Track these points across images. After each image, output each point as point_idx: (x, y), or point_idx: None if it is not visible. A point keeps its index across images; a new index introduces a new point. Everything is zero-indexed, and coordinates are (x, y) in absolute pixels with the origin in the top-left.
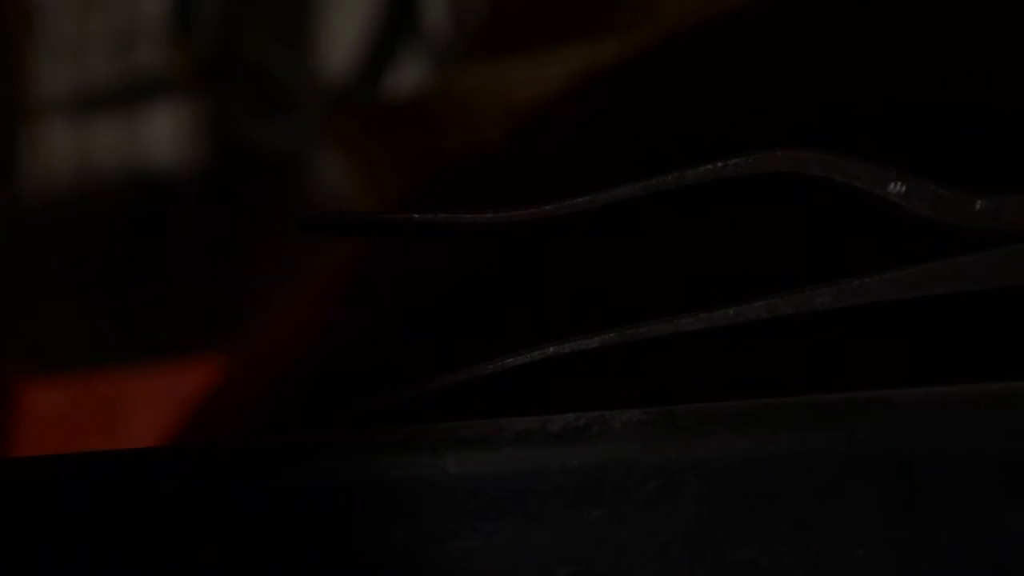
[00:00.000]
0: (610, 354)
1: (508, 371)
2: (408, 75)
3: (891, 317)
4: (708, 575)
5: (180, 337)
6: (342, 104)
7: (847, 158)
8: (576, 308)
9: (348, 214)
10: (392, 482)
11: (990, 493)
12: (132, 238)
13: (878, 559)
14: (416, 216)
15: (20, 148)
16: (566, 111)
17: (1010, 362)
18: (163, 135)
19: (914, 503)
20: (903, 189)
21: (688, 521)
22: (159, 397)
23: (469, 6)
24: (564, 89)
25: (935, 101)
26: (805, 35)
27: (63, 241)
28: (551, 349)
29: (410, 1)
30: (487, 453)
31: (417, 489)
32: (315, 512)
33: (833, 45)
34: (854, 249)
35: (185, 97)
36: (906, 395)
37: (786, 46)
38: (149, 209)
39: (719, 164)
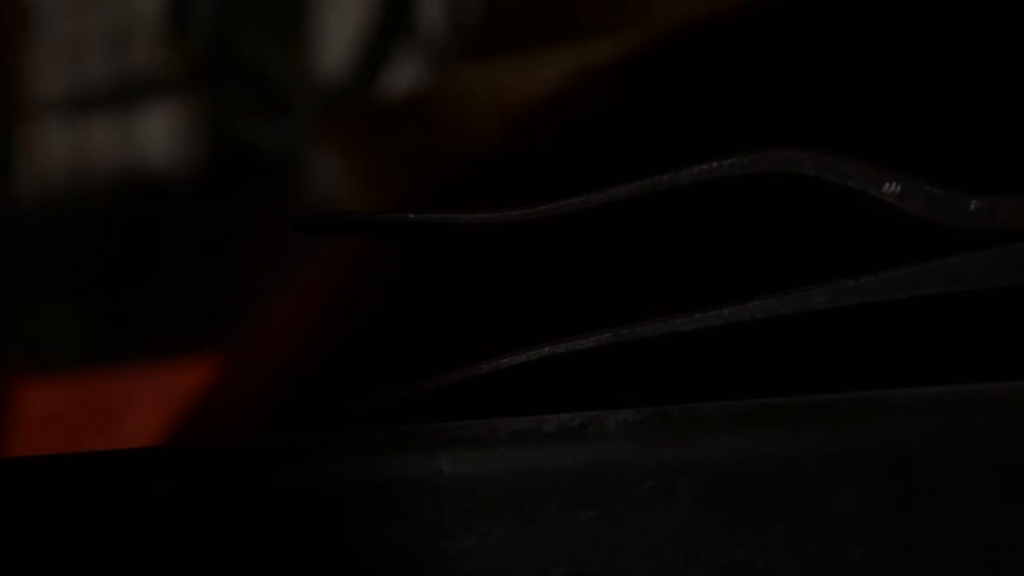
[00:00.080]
0: (605, 354)
1: (503, 371)
2: (404, 75)
3: (886, 317)
4: (703, 575)
5: (176, 337)
6: (338, 104)
7: (842, 158)
8: (571, 308)
9: (344, 214)
10: (387, 482)
11: (986, 493)
12: (128, 238)
13: (874, 559)
14: (411, 216)
15: (15, 148)
16: (561, 111)
17: (1005, 362)
18: (158, 135)
19: (910, 503)
20: (898, 189)
21: (683, 521)
22: (155, 397)
23: (464, 6)
24: (559, 89)
25: (929, 101)
26: (800, 35)
27: (59, 241)
28: (546, 349)
29: (406, 1)
30: (482, 453)
31: (412, 489)
32: (310, 512)
33: (829, 45)
34: (849, 249)
35: (180, 97)
36: (902, 395)
37: (781, 46)
38: (144, 209)
39: (714, 164)
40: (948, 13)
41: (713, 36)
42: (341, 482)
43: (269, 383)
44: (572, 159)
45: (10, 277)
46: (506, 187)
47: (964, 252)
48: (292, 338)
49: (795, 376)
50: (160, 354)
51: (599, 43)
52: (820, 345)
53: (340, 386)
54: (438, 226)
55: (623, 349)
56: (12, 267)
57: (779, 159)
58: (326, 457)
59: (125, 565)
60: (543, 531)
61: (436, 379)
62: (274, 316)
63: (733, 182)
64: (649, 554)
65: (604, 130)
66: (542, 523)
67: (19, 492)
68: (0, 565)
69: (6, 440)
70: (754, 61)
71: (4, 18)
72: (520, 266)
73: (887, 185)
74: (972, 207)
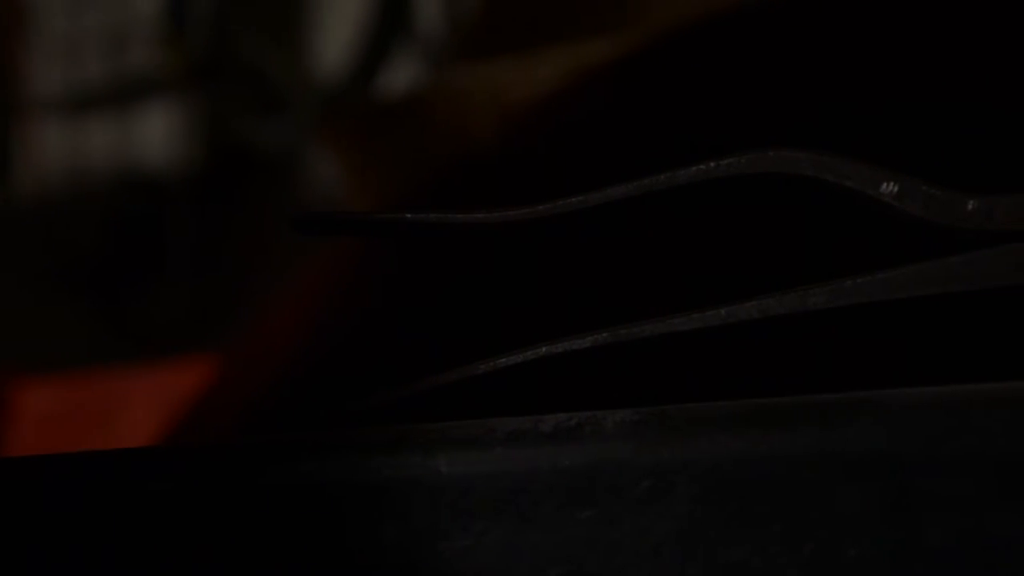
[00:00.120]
0: (602, 354)
1: (500, 371)
2: (401, 75)
3: (884, 317)
4: (700, 575)
5: (173, 337)
6: (335, 104)
7: (839, 158)
8: (569, 308)
9: (341, 214)
10: (384, 482)
11: (982, 493)
12: (125, 238)
13: (871, 559)
14: (408, 216)
15: (13, 148)
16: (559, 111)
17: (1002, 362)
18: (156, 135)
19: (906, 503)
20: (895, 189)
21: (680, 521)
22: (152, 397)
23: (462, 6)
24: (557, 89)
25: (927, 101)
26: (798, 35)
27: (56, 240)
28: (543, 349)
29: (403, 1)
30: (479, 453)
31: (409, 489)
32: (307, 512)
33: (827, 45)
34: (846, 249)
35: (178, 97)
36: (899, 395)
37: (779, 46)
38: (142, 209)
39: (711, 164)
40: (945, 13)
41: (710, 36)
42: (338, 482)
43: (266, 383)
44: (569, 159)
45: (7, 277)
46: (503, 187)
47: (961, 252)
48: (289, 338)
49: (793, 376)
50: (157, 354)
51: (596, 43)
52: (818, 345)
53: (337, 386)
54: (435, 226)
55: (620, 349)
56: (10, 267)
57: (777, 159)
58: (323, 457)
59: (122, 564)
60: (540, 531)
61: (433, 379)
62: (271, 316)
63: (731, 182)
64: (646, 554)
65: (601, 130)
66: (539, 523)
67: (16, 491)
68: None
69: (3, 439)
70: (751, 61)
71: (2, 18)
72: (517, 266)
73: (885, 185)
74: (969, 207)
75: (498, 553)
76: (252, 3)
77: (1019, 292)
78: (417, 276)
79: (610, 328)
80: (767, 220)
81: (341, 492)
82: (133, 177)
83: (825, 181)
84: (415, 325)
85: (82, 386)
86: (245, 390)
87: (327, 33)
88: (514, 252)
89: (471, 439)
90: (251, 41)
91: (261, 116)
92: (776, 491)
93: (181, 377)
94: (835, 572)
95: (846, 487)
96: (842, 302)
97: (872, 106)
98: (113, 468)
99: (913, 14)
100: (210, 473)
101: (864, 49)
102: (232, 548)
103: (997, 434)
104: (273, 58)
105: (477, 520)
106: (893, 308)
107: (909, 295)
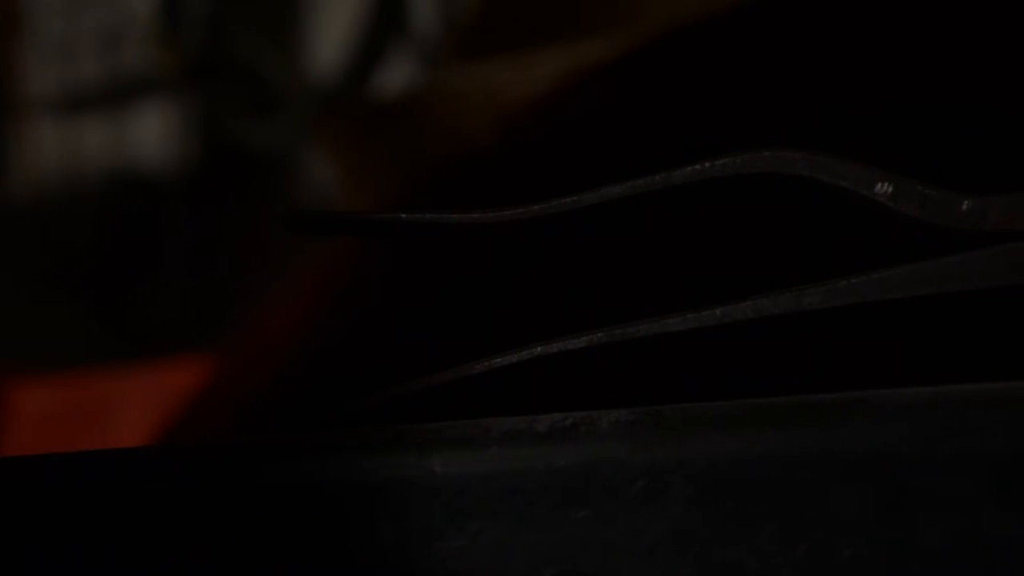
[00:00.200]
0: (597, 354)
1: (496, 371)
2: (396, 75)
3: (879, 317)
4: (695, 575)
5: (169, 336)
6: (330, 104)
7: (835, 158)
8: (564, 308)
9: (336, 214)
10: (379, 482)
11: (978, 493)
12: (120, 238)
13: (866, 559)
14: (404, 216)
15: (8, 147)
16: (554, 111)
17: (997, 362)
18: (151, 135)
19: (901, 503)
20: (890, 189)
21: (675, 521)
22: (148, 396)
23: (457, 6)
24: (552, 89)
25: (923, 102)
26: (794, 35)
27: (52, 240)
28: (539, 349)
29: (398, 1)
30: (474, 453)
31: (404, 489)
32: (302, 512)
33: (823, 45)
34: (841, 249)
35: (173, 97)
36: (894, 395)
37: (775, 46)
38: (137, 209)
39: (707, 164)
40: (942, 13)
41: (707, 36)
42: (334, 482)
43: (262, 383)
44: (565, 159)
45: (3, 277)
46: (499, 187)
47: (956, 252)
48: (285, 337)
49: (788, 376)
50: (154, 353)
51: (592, 43)
52: (813, 345)
53: (333, 385)
54: (431, 226)
55: (616, 349)
56: (5, 266)
57: (772, 159)
58: (319, 457)
59: (119, 564)
60: (535, 531)
61: (429, 379)
62: (267, 316)
63: (726, 182)
64: (641, 554)
65: (597, 130)
66: (534, 523)
67: (13, 492)
68: None
69: None
70: (747, 61)
71: None
72: (513, 266)
73: (879, 185)
74: (964, 207)
75: (493, 553)
76: (247, 3)
77: (1014, 292)
78: (413, 276)
79: (605, 328)
80: (762, 220)
81: (336, 492)
82: (129, 177)
83: (820, 181)
84: (411, 325)
85: (79, 386)
86: (241, 390)
87: (323, 33)
88: (510, 252)
89: (466, 439)
90: (246, 41)
91: (256, 116)
92: (771, 491)
93: (178, 377)
94: (830, 572)
95: (841, 487)
96: (837, 302)
97: (868, 106)
98: (110, 468)
99: (909, 14)
100: (206, 473)
101: (860, 49)
102: (228, 548)
103: (993, 434)
104: (268, 58)
105: (472, 520)
106: (888, 308)
107: (904, 295)
